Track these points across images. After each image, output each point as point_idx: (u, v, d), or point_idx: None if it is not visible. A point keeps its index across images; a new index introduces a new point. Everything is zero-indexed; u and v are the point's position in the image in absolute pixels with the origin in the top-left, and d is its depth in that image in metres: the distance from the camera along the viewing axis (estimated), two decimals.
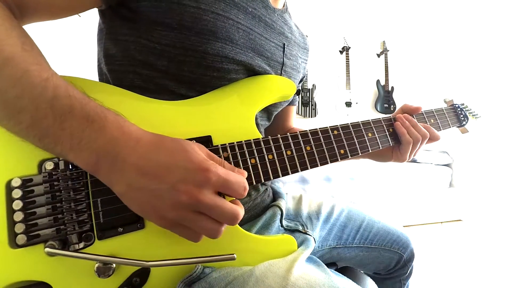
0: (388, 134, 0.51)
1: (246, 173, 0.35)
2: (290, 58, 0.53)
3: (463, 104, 0.67)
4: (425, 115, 0.57)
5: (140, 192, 0.29)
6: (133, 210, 0.31)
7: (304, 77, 0.64)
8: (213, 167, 0.30)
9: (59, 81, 0.30)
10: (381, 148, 0.50)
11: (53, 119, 0.28)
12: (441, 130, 0.59)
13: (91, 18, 0.41)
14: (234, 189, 0.31)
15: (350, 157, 0.46)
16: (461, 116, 0.64)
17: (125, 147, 0.29)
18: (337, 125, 0.46)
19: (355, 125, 0.48)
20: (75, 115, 0.29)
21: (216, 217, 0.30)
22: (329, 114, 2.55)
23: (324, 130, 0.45)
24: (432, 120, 0.58)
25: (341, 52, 2.60)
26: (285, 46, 0.52)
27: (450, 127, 0.62)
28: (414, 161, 2.08)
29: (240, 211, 0.31)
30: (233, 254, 0.34)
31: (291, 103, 0.67)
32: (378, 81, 2.62)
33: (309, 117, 2.48)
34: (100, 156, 0.29)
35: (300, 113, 2.48)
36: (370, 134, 0.49)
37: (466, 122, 0.65)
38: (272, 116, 0.56)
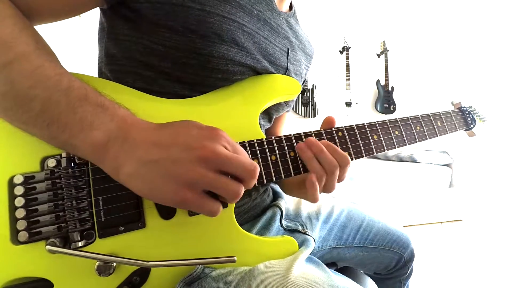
0: (394, 137, 0.49)
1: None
2: (293, 63, 0.53)
3: (470, 107, 0.65)
4: (431, 118, 0.55)
5: (152, 165, 0.28)
6: (143, 193, 0.29)
7: (304, 81, 0.63)
8: (221, 129, 0.31)
9: (73, 77, 0.31)
10: (386, 150, 0.48)
11: (66, 105, 0.29)
12: (448, 133, 0.57)
13: (91, 18, 0.41)
14: (242, 154, 0.32)
15: (354, 159, 0.45)
16: (469, 119, 0.62)
17: (136, 128, 0.30)
18: (341, 127, 0.46)
19: (360, 127, 0.47)
20: (90, 102, 0.29)
21: (236, 170, 0.29)
22: (329, 114, 2.55)
23: (329, 132, 0.44)
24: (439, 123, 0.56)
25: (341, 52, 2.61)
26: (289, 51, 0.51)
27: (457, 130, 0.60)
28: (414, 161, 2.08)
29: (257, 165, 0.31)
30: (233, 256, 0.34)
31: None
32: (378, 81, 2.63)
33: (309, 117, 2.48)
34: (111, 137, 0.29)
35: (300, 113, 2.48)
36: (375, 137, 0.47)
37: (474, 126, 0.63)
38: (273, 118, 0.55)
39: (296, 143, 0.42)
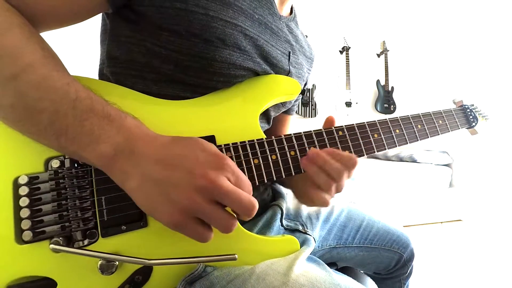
0: (394, 136, 0.49)
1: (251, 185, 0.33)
2: (295, 66, 0.53)
3: (472, 105, 0.64)
4: (433, 116, 0.55)
5: (153, 183, 0.28)
6: (143, 207, 0.29)
7: (306, 84, 0.63)
8: (229, 159, 0.31)
9: (80, 86, 0.31)
10: (387, 149, 0.48)
11: (73, 118, 0.29)
12: (449, 131, 0.57)
13: (92, 20, 0.42)
14: (245, 186, 0.31)
15: None
16: (471, 117, 0.62)
17: (143, 142, 0.30)
18: (342, 126, 0.46)
19: (361, 126, 0.47)
20: (96, 114, 0.30)
21: (232, 205, 0.29)
22: (329, 114, 2.55)
23: (329, 131, 0.45)
24: (440, 121, 0.55)
25: (341, 52, 2.61)
26: (290, 54, 0.52)
27: (459, 128, 0.60)
28: (414, 161, 2.08)
29: (256, 203, 0.30)
30: (234, 254, 0.34)
31: (288, 112, 0.65)
32: (378, 81, 2.63)
33: (309, 117, 2.49)
34: (118, 150, 0.29)
35: (300, 113, 2.49)
36: (376, 135, 0.47)
37: (476, 124, 0.63)
38: (271, 119, 0.56)
39: (297, 143, 0.42)
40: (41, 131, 0.30)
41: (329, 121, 0.46)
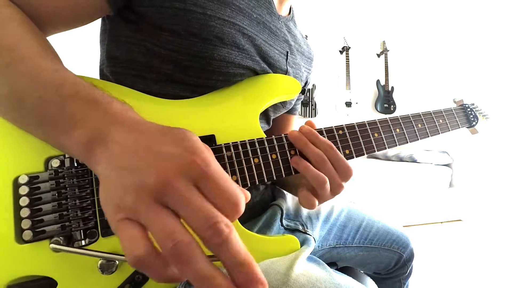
0: (395, 135, 0.49)
1: (249, 195, 0.25)
2: (292, 66, 0.53)
3: (473, 104, 0.65)
4: (433, 115, 0.55)
5: (113, 172, 0.23)
6: (101, 200, 0.23)
7: (306, 83, 0.63)
8: (206, 154, 0.23)
9: (69, 73, 0.30)
10: (387, 148, 0.48)
11: (56, 103, 0.27)
12: (450, 131, 0.57)
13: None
14: (220, 193, 0.21)
15: (355, 157, 0.45)
16: (471, 116, 0.62)
17: (124, 127, 0.25)
18: (342, 125, 0.46)
19: (361, 125, 0.47)
20: (81, 98, 0.27)
21: (184, 214, 0.20)
22: (329, 114, 2.56)
23: (329, 130, 0.45)
24: (440, 121, 0.55)
25: (341, 52, 2.61)
26: (288, 54, 0.52)
27: (460, 127, 0.60)
28: (414, 161, 2.08)
29: (221, 221, 0.20)
30: None
31: (291, 111, 0.65)
32: (378, 81, 2.63)
33: (309, 117, 2.49)
34: (94, 135, 0.25)
35: (300, 113, 2.49)
36: (376, 134, 0.47)
37: (476, 123, 0.63)
38: (271, 119, 0.56)
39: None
40: (31, 119, 0.29)
41: (308, 125, 0.44)
